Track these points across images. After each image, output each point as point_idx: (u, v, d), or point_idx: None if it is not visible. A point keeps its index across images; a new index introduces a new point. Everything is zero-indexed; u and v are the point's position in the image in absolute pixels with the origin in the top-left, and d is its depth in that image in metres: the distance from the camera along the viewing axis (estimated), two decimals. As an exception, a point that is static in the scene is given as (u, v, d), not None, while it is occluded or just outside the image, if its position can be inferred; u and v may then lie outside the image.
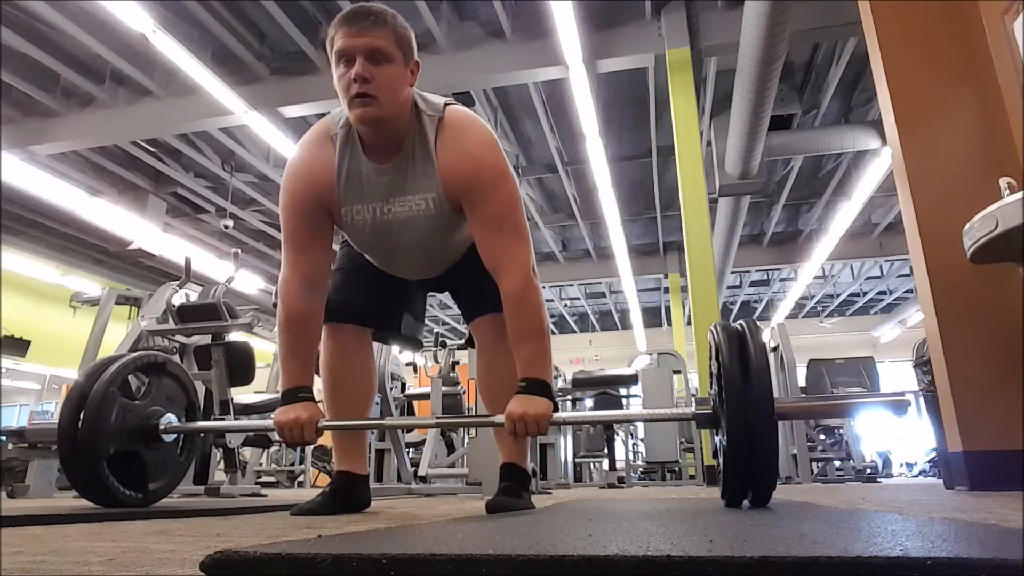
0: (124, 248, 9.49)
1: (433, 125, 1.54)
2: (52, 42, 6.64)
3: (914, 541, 0.59)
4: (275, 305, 3.83)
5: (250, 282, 11.52)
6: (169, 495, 1.97)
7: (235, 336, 3.89)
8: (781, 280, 15.18)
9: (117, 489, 1.65)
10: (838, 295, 16.19)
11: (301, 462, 6.97)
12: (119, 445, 1.67)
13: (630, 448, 8.39)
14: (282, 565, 0.54)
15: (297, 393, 1.57)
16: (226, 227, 8.91)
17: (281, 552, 0.55)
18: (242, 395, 4.22)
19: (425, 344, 6.69)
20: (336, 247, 1.86)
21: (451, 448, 5.87)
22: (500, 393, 1.68)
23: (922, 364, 3.31)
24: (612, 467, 6.64)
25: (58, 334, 10.08)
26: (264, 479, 6.75)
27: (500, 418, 1.50)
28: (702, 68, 7.02)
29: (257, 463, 6.49)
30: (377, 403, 4.51)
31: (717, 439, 1.49)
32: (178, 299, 4.06)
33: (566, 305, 16.45)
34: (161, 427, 1.75)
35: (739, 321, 1.42)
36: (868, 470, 6.75)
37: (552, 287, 14.85)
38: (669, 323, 15.72)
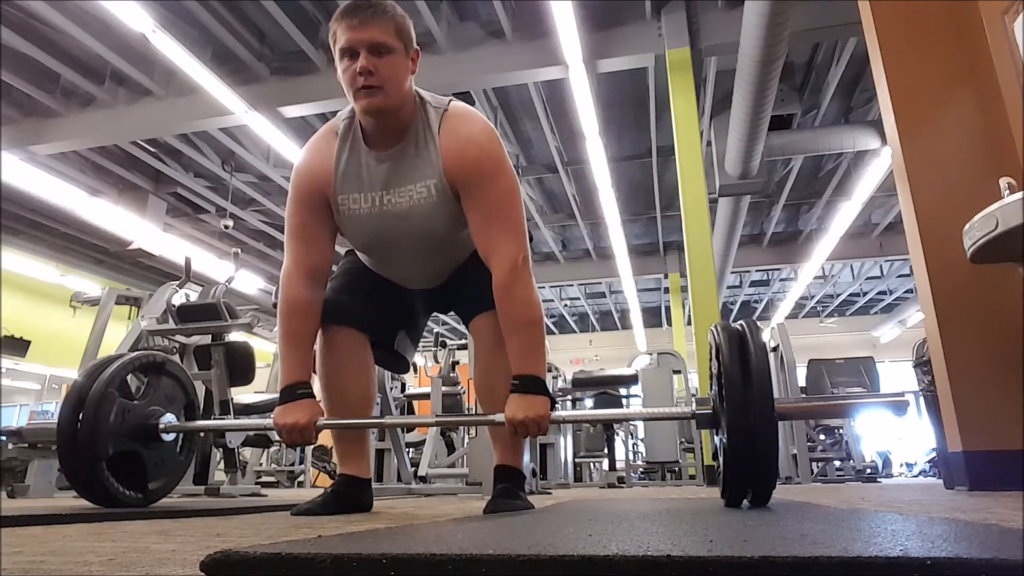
0: (124, 248, 9.49)
1: (438, 115, 1.58)
2: (52, 42, 6.64)
3: (914, 541, 0.59)
4: (275, 305, 3.83)
5: (250, 282, 11.52)
6: (169, 495, 1.97)
7: (235, 336, 3.89)
8: (781, 280, 15.18)
9: (116, 489, 1.65)
10: (838, 295, 16.19)
11: (301, 462, 6.97)
12: (118, 445, 1.66)
13: (630, 448, 8.39)
14: (282, 565, 0.54)
15: (296, 389, 1.57)
16: (226, 227, 8.91)
17: (281, 552, 0.55)
18: (242, 395, 4.22)
19: (425, 345, 6.70)
20: (340, 250, 1.86)
21: (451, 448, 5.87)
22: (497, 396, 1.67)
23: (922, 364, 3.31)
24: (612, 467, 6.65)
25: (58, 334, 10.09)
26: (264, 479, 6.75)
27: (500, 416, 1.50)
28: (702, 68, 7.02)
29: (257, 463, 6.49)
30: (377, 403, 4.51)
31: (717, 439, 1.49)
32: (178, 299, 4.06)
33: (566, 305, 16.45)
34: (160, 427, 1.75)
35: (739, 321, 1.42)
36: (868, 470, 6.75)
37: (552, 287, 14.86)
38: (669, 323, 15.72)
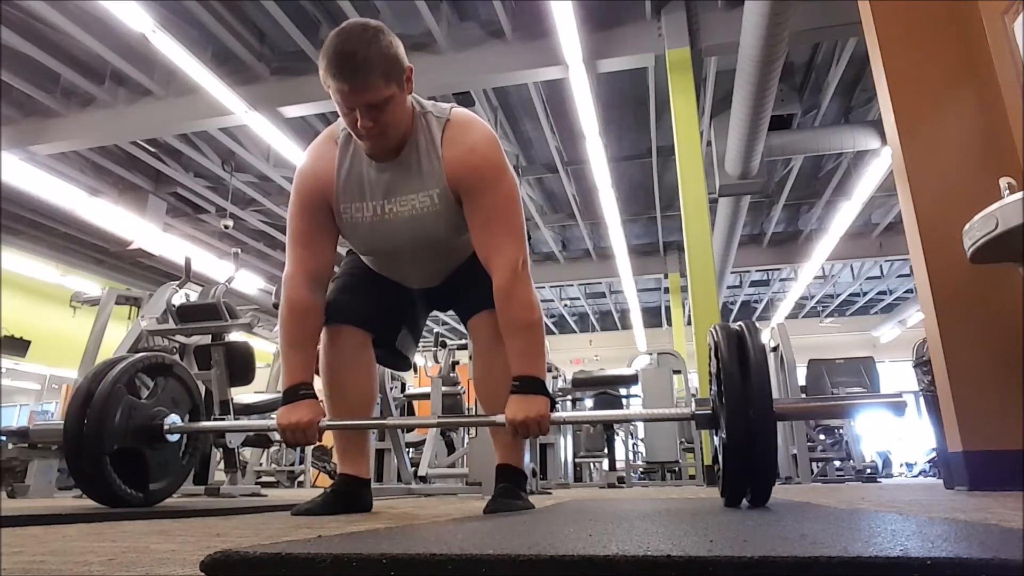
0: (124, 248, 9.49)
1: (440, 124, 1.59)
2: (52, 42, 6.64)
3: (914, 541, 0.59)
4: (275, 305, 3.82)
5: (250, 282, 11.52)
6: (169, 495, 1.97)
7: (235, 336, 3.89)
8: (781, 280, 15.18)
9: (119, 487, 1.66)
10: (838, 295, 16.19)
11: (301, 462, 6.97)
12: (123, 443, 1.68)
13: (630, 448, 8.39)
14: (282, 565, 0.54)
15: (298, 390, 1.59)
16: (226, 227, 8.91)
17: (281, 552, 0.55)
18: (242, 395, 4.22)
19: (425, 345, 6.70)
20: (341, 251, 1.87)
21: (451, 448, 5.87)
22: (497, 395, 1.68)
23: (922, 364, 3.31)
24: (612, 467, 6.65)
25: (58, 334, 10.09)
26: (264, 479, 6.75)
27: (501, 417, 1.52)
28: (702, 68, 7.02)
29: (257, 463, 6.49)
30: (377, 403, 4.51)
31: (716, 439, 1.50)
32: (178, 299, 4.06)
33: (566, 305, 16.45)
34: (165, 427, 1.76)
35: (738, 322, 1.43)
36: (868, 470, 6.76)
37: (552, 287, 14.86)
38: (669, 323, 15.72)
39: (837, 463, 7.10)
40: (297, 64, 6.87)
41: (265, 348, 10.58)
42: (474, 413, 4.52)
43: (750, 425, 1.29)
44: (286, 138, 7.55)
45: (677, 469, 7.30)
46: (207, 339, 3.86)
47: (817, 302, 16.55)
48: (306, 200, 1.63)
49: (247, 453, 6.00)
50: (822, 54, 7.17)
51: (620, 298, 15.47)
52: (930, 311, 2.79)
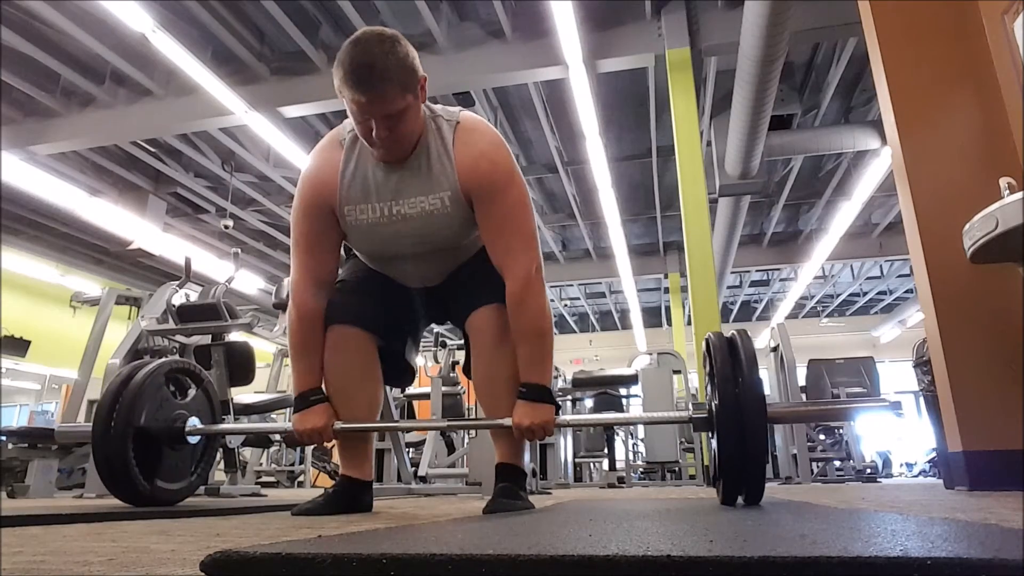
0: (124, 248, 9.50)
1: (451, 127, 1.59)
2: (52, 42, 6.64)
3: (914, 541, 0.59)
4: (275, 306, 3.82)
5: (250, 282, 11.52)
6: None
7: (235, 336, 3.89)
8: (781, 280, 15.18)
9: (135, 474, 1.70)
10: (838, 295, 16.19)
11: (301, 462, 6.97)
12: (148, 434, 1.74)
13: (630, 448, 8.39)
14: (282, 565, 0.54)
15: (310, 396, 1.63)
16: (226, 227, 8.91)
17: (281, 552, 0.55)
18: (242, 395, 4.22)
19: (424, 345, 6.70)
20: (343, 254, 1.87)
21: (451, 448, 5.87)
22: (499, 395, 1.69)
23: (922, 364, 3.31)
24: (612, 467, 6.65)
25: (58, 334, 10.09)
26: (264, 479, 6.75)
27: (508, 421, 1.55)
28: (702, 68, 7.02)
29: (257, 463, 6.49)
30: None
31: (713, 442, 1.54)
32: (178, 299, 4.06)
33: (566, 305, 16.46)
34: (187, 428, 1.83)
35: (732, 332, 1.50)
36: (868, 470, 6.75)
37: (552, 287, 14.86)
38: (669, 323, 15.72)
39: (837, 463, 7.10)
40: (297, 64, 6.87)
41: (265, 348, 10.56)
42: (480, 417, 4.52)
43: (743, 430, 1.35)
44: (286, 138, 7.55)
45: (677, 469, 7.30)
46: (207, 339, 3.86)
47: (817, 302, 16.56)
48: (310, 206, 1.63)
49: (247, 453, 6.00)
50: (822, 54, 7.17)
51: (620, 298, 15.47)
52: (930, 311, 2.79)
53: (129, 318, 5.24)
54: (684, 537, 0.66)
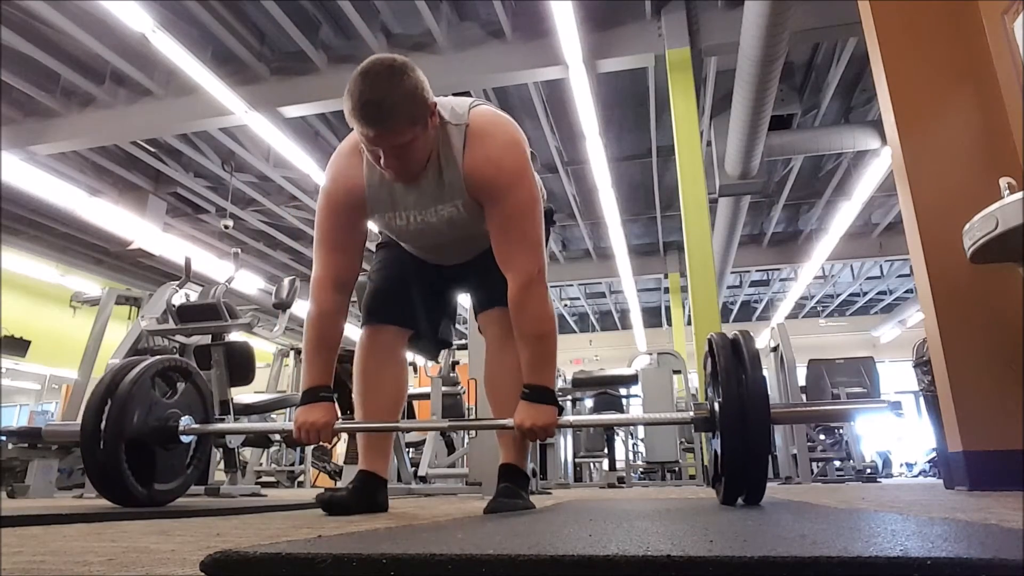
0: (124, 248, 9.49)
1: (460, 135, 1.57)
2: (52, 42, 6.63)
3: (914, 541, 0.59)
4: (275, 306, 3.82)
5: (250, 282, 11.51)
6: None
7: (235, 336, 3.89)
8: (781, 280, 15.18)
9: (129, 480, 1.68)
10: (838, 295, 16.19)
11: (301, 462, 6.97)
12: (139, 437, 1.72)
13: (630, 448, 8.39)
14: (282, 565, 0.54)
15: (318, 392, 1.64)
16: (226, 227, 8.91)
17: (281, 552, 0.55)
18: (242, 395, 4.22)
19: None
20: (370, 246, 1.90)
21: (451, 448, 5.86)
22: (508, 399, 1.72)
23: (922, 364, 3.31)
24: (612, 467, 6.65)
25: (58, 334, 10.08)
26: (264, 479, 6.75)
27: (510, 422, 1.57)
28: (702, 68, 7.02)
29: (257, 463, 6.49)
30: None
31: (714, 442, 1.55)
32: (178, 299, 4.06)
33: (566, 305, 16.46)
34: (180, 428, 1.80)
35: (734, 332, 1.50)
36: (868, 470, 6.75)
37: (552, 287, 14.70)
38: (669, 323, 15.71)
39: (837, 463, 7.10)
40: (297, 64, 6.86)
41: (265, 348, 10.56)
42: (475, 414, 4.51)
43: (746, 430, 1.36)
44: (286, 138, 7.55)
45: (677, 469, 7.29)
46: (207, 339, 3.86)
47: (817, 302, 16.55)
48: (338, 208, 1.65)
49: (247, 453, 5.99)
50: (822, 54, 7.17)
51: (620, 298, 15.47)
52: (930, 311, 2.79)
53: (129, 318, 5.24)
54: (684, 537, 0.66)
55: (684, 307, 13.50)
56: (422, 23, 6.22)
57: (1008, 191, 2.19)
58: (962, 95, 2.97)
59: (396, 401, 1.81)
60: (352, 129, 1.51)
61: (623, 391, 6.89)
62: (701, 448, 6.44)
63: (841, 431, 6.91)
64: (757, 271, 14.30)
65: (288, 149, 7.75)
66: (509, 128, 1.63)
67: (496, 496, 1.70)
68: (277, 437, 5.66)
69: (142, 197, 9.19)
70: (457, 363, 5.78)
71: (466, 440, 5.48)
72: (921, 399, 3.46)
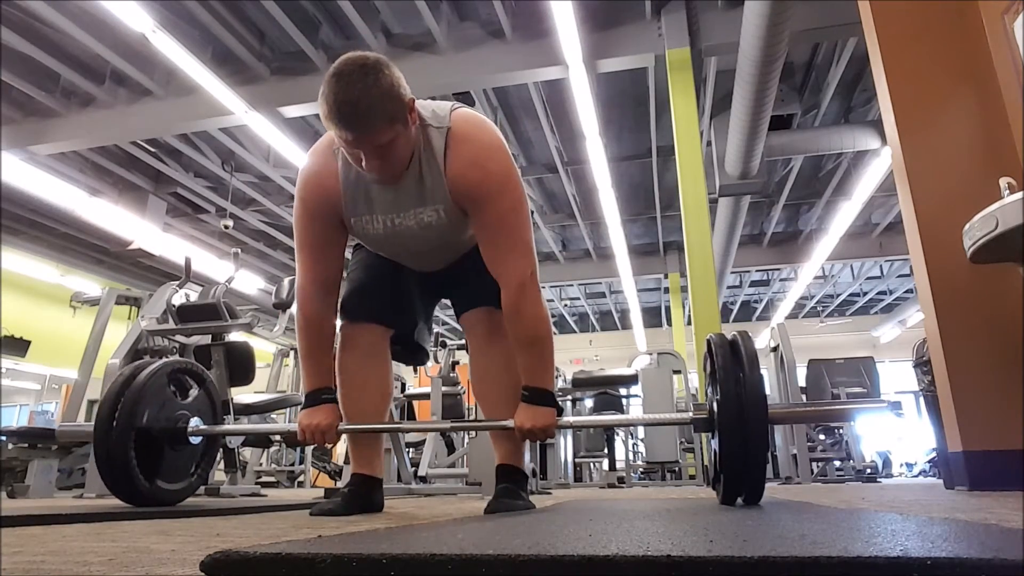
0: (124, 248, 9.49)
1: (442, 138, 1.53)
2: (52, 42, 6.63)
3: (914, 541, 0.59)
4: (275, 306, 3.82)
5: (250, 282, 11.51)
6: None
7: (235, 336, 3.89)
8: (781, 280, 15.17)
9: (136, 475, 1.70)
10: (838, 295, 16.18)
11: (301, 462, 6.97)
12: (149, 433, 1.74)
13: (630, 448, 8.39)
14: (282, 565, 0.54)
15: (320, 395, 1.64)
16: (226, 227, 8.91)
17: (281, 552, 0.55)
18: (242, 395, 4.22)
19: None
20: (348, 253, 1.88)
21: (451, 448, 5.87)
22: (498, 399, 1.73)
23: (922, 364, 3.31)
24: (612, 467, 6.65)
25: (58, 334, 10.08)
26: (264, 479, 6.75)
27: (511, 423, 1.57)
28: (702, 68, 7.02)
29: (257, 463, 6.49)
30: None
31: (714, 442, 1.55)
32: (178, 299, 4.06)
33: (566, 305, 16.45)
34: (189, 429, 1.83)
35: (733, 333, 1.51)
36: (868, 470, 6.75)
37: (552, 287, 14.85)
38: (669, 323, 15.71)
39: (837, 463, 7.10)
40: (297, 64, 6.86)
41: (265, 348, 10.56)
42: (475, 414, 4.52)
43: (745, 430, 1.37)
44: (286, 138, 7.55)
45: (677, 469, 7.29)
46: (207, 339, 3.86)
47: (817, 302, 16.55)
48: (313, 210, 1.61)
49: (247, 453, 5.99)
50: (822, 54, 7.17)
51: (620, 298, 15.46)
52: (930, 311, 2.79)
53: (129, 318, 5.24)
54: (684, 537, 0.66)
55: (684, 307, 13.50)
56: (422, 23, 6.22)
57: (1008, 191, 2.19)
58: (962, 95, 2.97)
59: (382, 400, 1.78)
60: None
61: (623, 391, 6.89)
62: (701, 448, 6.44)
63: (841, 431, 6.91)
64: (757, 271, 14.29)
65: (288, 149, 7.75)
66: (491, 131, 1.60)
67: (496, 497, 1.71)
68: (277, 437, 5.67)
69: (142, 197, 9.19)
70: (457, 363, 5.78)
71: (466, 440, 5.48)
72: (921, 399, 3.46)
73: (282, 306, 3.92)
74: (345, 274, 1.86)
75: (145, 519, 1.47)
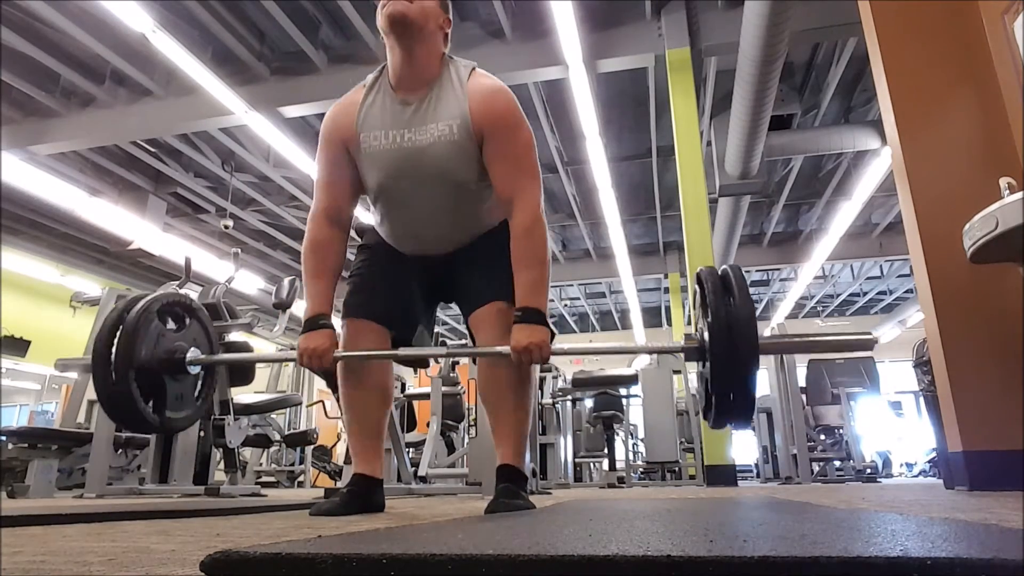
0: (124, 248, 9.49)
1: (466, 71, 1.70)
2: (52, 42, 6.64)
3: (914, 541, 0.59)
4: (275, 306, 3.82)
5: (250, 282, 11.51)
6: (168, 495, 1.97)
7: (235, 336, 3.89)
8: (781, 280, 15.18)
9: (143, 408, 1.72)
10: (838, 295, 16.18)
11: (301, 462, 6.97)
12: (149, 366, 1.75)
13: (630, 448, 8.39)
14: (282, 565, 0.54)
15: (318, 321, 1.71)
16: (226, 227, 8.91)
17: (281, 552, 0.55)
18: (242, 395, 4.23)
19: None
20: (351, 255, 1.91)
21: (451, 448, 5.87)
22: (504, 402, 1.75)
23: (922, 364, 3.31)
24: (612, 467, 6.65)
25: (58, 334, 10.08)
26: (264, 479, 6.75)
27: (506, 348, 1.61)
28: (702, 68, 7.02)
29: (257, 463, 6.49)
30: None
31: (704, 369, 1.61)
32: (178, 299, 4.06)
33: (566, 305, 16.44)
34: (187, 359, 1.84)
35: (723, 266, 1.58)
36: (868, 470, 6.76)
37: (552, 287, 14.81)
38: (669, 323, 15.71)
39: (837, 463, 7.10)
40: (297, 64, 6.86)
41: (265, 348, 10.56)
42: (475, 414, 4.52)
43: (735, 356, 1.45)
44: (286, 138, 7.55)
45: (677, 469, 7.30)
46: (207, 339, 3.85)
47: (817, 302, 16.55)
48: (327, 143, 1.75)
49: (247, 453, 6.00)
50: (822, 54, 7.17)
51: (620, 298, 15.46)
52: (930, 311, 2.79)
53: (129, 318, 5.23)
54: (684, 537, 0.66)
55: (684, 307, 13.50)
56: (422, 23, 6.22)
57: (1008, 191, 2.19)
58: (962, 95, 2.97)
59: (383, 400, 1.81)
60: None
61: (623, 391, 6.89)
62: (702, 448, 6.44)
63: (841, 431, 6.92)
64: (757, 271, 14.29)
65: (288, 149, 7.75)
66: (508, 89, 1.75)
67: (496, 497, 1.70)
68: (276, 437, 5.67)
69: (142, 197, 9.19)
70: (457, 363, 5.79)
71: (466, 440, 5.49)
72: (921, 399, 3.46)
73: (282, 306, 3.92)
74: (346, 274, 1.87)
75: (145, 519, 1.47)
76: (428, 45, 1.66)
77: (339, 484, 5.57)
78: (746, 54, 5.62)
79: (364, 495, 1.71)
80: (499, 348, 1.64)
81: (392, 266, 1.84)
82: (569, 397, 6.83)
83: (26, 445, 3.81)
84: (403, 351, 1.79)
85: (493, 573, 0.50)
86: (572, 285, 14.81)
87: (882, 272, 14.58)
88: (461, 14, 6.66)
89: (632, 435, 8.38)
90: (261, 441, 5.42)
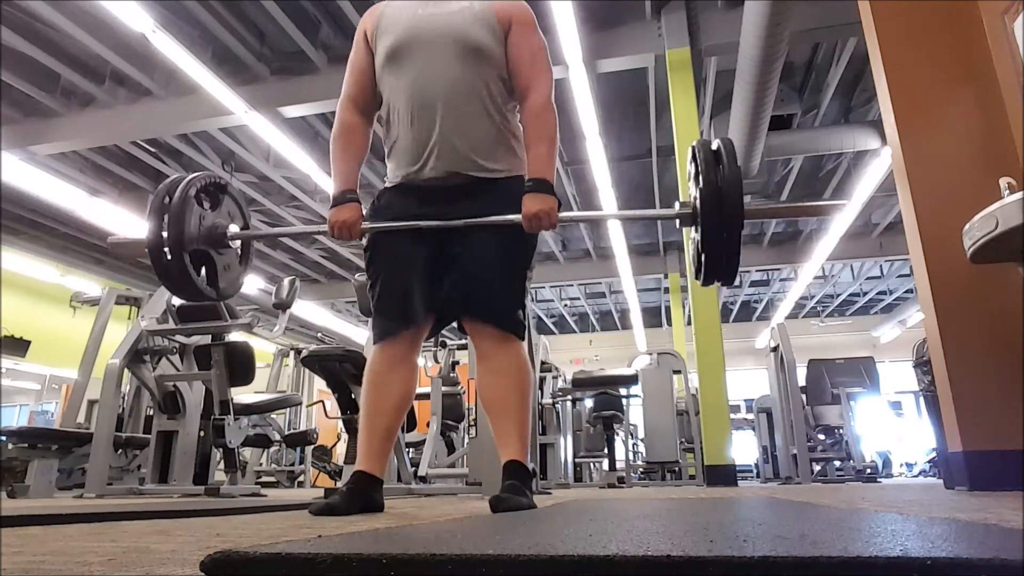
0: (124, 248, 9.48)
1: None
2: (52, 42, 6.63)
3: (914, 541, 0.59)
4: (275, 306, 3.82)
5: (250, 282, 11.52)
6: (169, 495, 1.97)
7: (235, 336, 3.89)
8: (781, 280, 15.18)
9: (199, 280, 1.85)
10: (838, 295, 16.19)
11: (301, 462, 6.97)
12: (197, 244, 1.87)
13: (630, 448, 8.40)
14: (282, 565, 0.54)
15: (345, 195, 1.83)
16: (226, 227, 8.90)
17: (281, 552, 0.55)
18: (242, 395, 4.22)
19: (424, 345, 6.70)
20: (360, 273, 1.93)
21: (451, 448, 5.87)
22: (509, 411, 1.79)
23: (922, 364, 3.32)
24: (612, 467, 6.65)
25: (58, 334, 10.07)
26: (264, 479, 6.75)
27: (518, 217, 1.74)
28: (702, 68, 7.02)
29: (257, 463, 6.49)
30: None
31: (696, 234, 1.78)
32: (178, 299, 4.06)
33: (566, 305, 16.44)
34: (229, 234, 1.96)
35: (717, 139, 1.73)
36: (868, 470, 6.75)
37: (552, 287, 14.84)
38: (669, 323, 15.71)
39: (837, 463, 7.10)
40: (297, 64, 6.86)
41: (265, 348, 10.56)
42: (475, 414, 4.52)
43: (724, 220, 1.62)
44: (286, 138, 7.55)
45: (677, 469, 7.30)
46: (207, 339, 3.86)
47: (817, 302, 16.55)
48: (358, 35, 1.93)
49: (247, 453, 6.00)
50: (822, 54, 7.16)
51: (620, 298, 15.46)
52: (930, 311, 2.79)
53: (129, 318, 5.24)
54: (684, 537, 0.66)
55: (684, 307, 13.50)
56: (422, 23, 6.22)
57: (1008, 191, 2.19)
58: (962, 95, 2.97)
59: (403, 399, 1.83)
60: None
61: (623, 391, 6.89)
62: (702, 447, 6.44)
63: (841, 431, 6.92)
64: (757, 271, 14.29)
65: (288, 149, 7.75)
66: None
67: (503, 492, 1.69)
68: (277, 437, 5.66)
69: (142, 197, 9.19)
70: (457, 363, 5.79)
71: (466, 440, 5.49)
72: (921, 399, 3.46)
73: (282, 306, 3.92)
74: (366, 281, 1.93)
75: (145, 519, 1.47)
76: None
77: (339, 484, 5.58)
78: (746, 54, 5.62)
79: (365, 494, 1.70)
80: (511, 217, 1.75)
81: (404, 256, 1.83)
82: (569, 397, 6.83)
83: (26, 445, 3.81)
84: (424, 223, 1.79)
85: (493, 573, 0.50)
86: (572, 285, 14.81)
87: (882, 272, 14.58)
88: (461, 14, 6.65)
89: (632, 435, 8.38)
90: (261, 441, 5.42)
